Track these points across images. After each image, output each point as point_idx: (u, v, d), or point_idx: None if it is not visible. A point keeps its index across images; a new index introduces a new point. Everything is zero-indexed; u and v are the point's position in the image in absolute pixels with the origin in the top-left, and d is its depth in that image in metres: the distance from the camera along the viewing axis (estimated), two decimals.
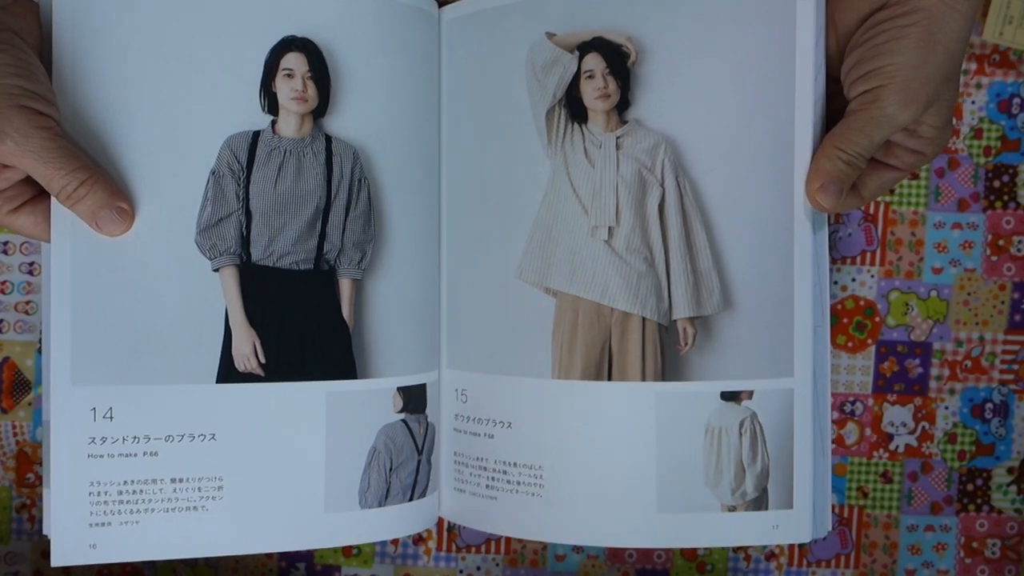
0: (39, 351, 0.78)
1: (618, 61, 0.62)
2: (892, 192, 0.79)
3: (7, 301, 0.78)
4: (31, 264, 0.78)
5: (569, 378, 0.63)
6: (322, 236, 0.62)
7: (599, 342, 0.63)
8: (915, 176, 0.79)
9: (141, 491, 0.59)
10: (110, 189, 0.57)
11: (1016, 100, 0.79)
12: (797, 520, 0.62)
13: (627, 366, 0.63)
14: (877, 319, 0.80)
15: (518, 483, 0.65)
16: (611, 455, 0.62)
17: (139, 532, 0.59)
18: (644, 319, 0.63)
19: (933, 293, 0.80)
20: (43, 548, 0.79)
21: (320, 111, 0.62)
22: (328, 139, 0.62)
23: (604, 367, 0.63)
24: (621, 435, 0.62)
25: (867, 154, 0.57)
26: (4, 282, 0.78)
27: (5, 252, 0.78)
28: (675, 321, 0.63)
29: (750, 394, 0.61)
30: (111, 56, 0.59)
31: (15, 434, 0.79)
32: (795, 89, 0.59)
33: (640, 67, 0.61)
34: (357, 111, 0.62)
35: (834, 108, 0.60)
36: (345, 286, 0.63)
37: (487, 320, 0.66)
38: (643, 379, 0.62)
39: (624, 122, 0.62)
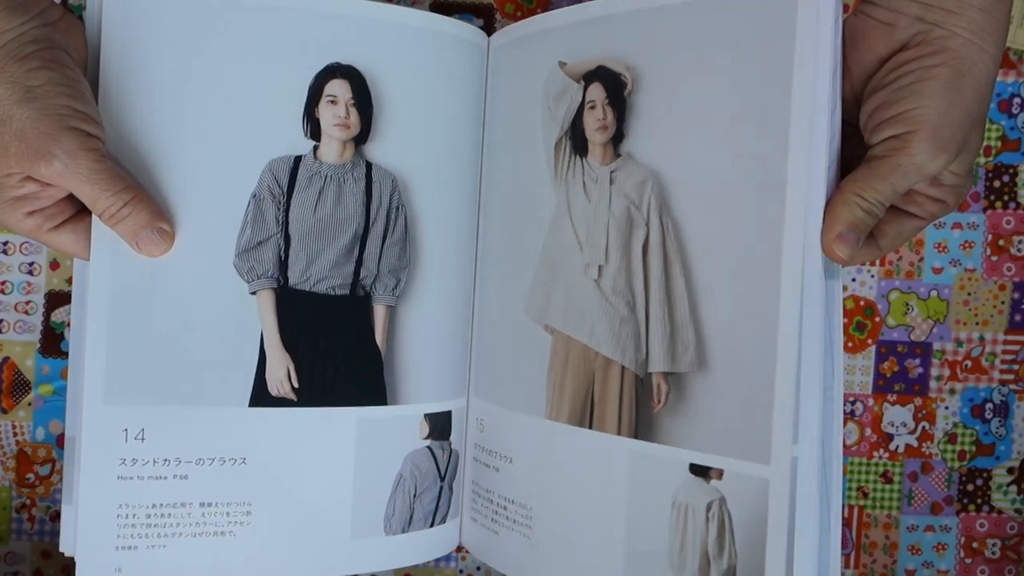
0: (39, 351, 0.76)
1: (617, 91, 0.58)
2: None
3: (7, 301, 0.76)
4: (31, 264, 0.76)
5: (558, 420, 0.60)
6: (359, 262, 0.61)
7: (584, 386, 0.60)
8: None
9: (169, 515, 0.59)
10: (152, 210, 0.56)
11: (1016, 100, 0.79)
12: None
13: (605, 415, 0.58)
14: (877, 319, 0.81)
15: (513, 520, 0.63)
16: (585, 508, 0.59)
17: (165, 556, 0.59)
18: (623, 367, 0.58)
19: (933, 293, 0.81)
20: (43, 548, 0.78)
21: (362, 138, 0.61)
22: (368, 166, 0.61)
23: (587, 413, 0.59)
24: (595, 488, 0.58)
25: (888, 203, 0.53)
26: (4, 282, 0.76)
27: (5, 252, 0.76)
28: (651, 374, 0.57)
29: (720, 473, 0.53)
30: (157, 78, 0.58)
31: (15, 434, 0.77)
32: (789, 130, 0.51)
33: (634, 96, 0.57)
34: (398, 139, 0.62)
35: (844, 153, 0.56)
36: (379, 312, 0.62)
37: (503, 352, 0.64)
38: (618, 432, 0.57)
39: (619, 155, 0.58)
